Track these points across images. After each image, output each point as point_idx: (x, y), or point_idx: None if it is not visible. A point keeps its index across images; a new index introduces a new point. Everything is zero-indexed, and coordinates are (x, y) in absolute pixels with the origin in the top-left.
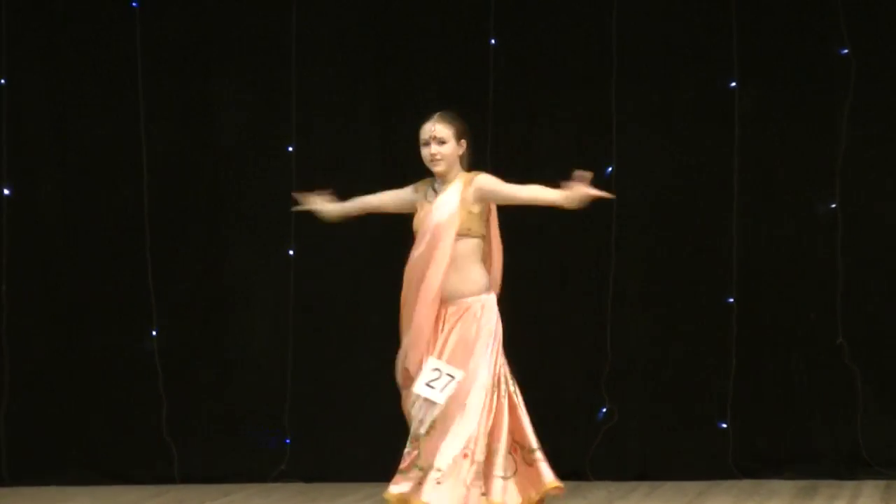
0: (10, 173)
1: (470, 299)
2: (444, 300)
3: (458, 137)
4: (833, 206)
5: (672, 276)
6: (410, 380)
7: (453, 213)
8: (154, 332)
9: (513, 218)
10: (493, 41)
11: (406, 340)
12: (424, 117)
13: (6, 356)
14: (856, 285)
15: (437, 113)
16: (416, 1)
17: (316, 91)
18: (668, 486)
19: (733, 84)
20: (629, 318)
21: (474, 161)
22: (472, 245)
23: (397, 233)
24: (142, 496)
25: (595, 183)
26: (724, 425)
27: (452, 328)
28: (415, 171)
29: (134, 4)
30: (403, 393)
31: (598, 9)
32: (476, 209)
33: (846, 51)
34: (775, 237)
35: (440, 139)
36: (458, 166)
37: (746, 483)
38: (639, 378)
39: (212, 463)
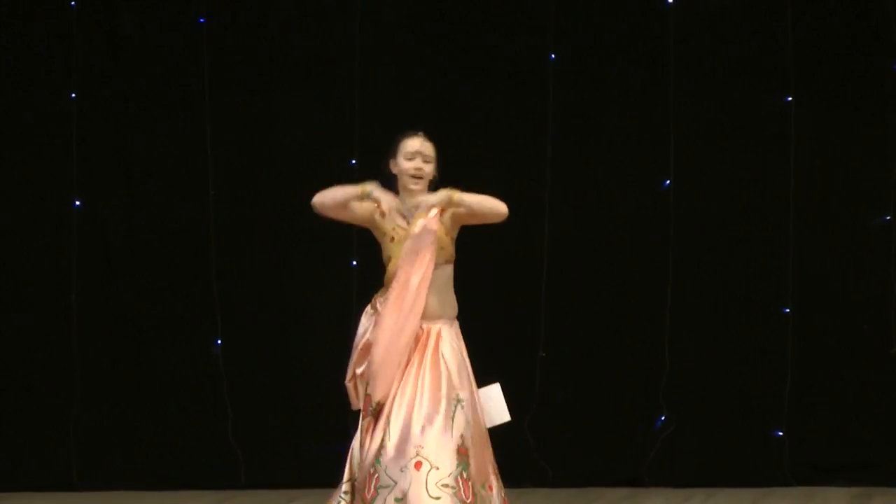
0: (80, 186)
1: (448, 322)
2: (421, 321)
3: (435, 163)
4: (888, 218)
5: (729, 288)
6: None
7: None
8: (219, 342)
9: (575, 232)
10: (552, 56)
11: (374, 360)
12: (411, 133)
13: (77, 364)
14: None
15: (422, 132)
16: (477, 17)
17: (377, 106)
18: (724, 494)
19: (789, 99)
20: (687, 328)
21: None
22: (448, 271)
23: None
24: (209, 501)
25: (653, 196)
26: (780, 433)
27: (437, 348)
28: (469, 183)
29: (201, 21)
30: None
31: (655, 25)
32: (454, 233)
33: None
34: (830, 249)
35: (427, 157)
36: (426, 191)
37: (801, 490)
38: (696, 387)
39: (276, 469)
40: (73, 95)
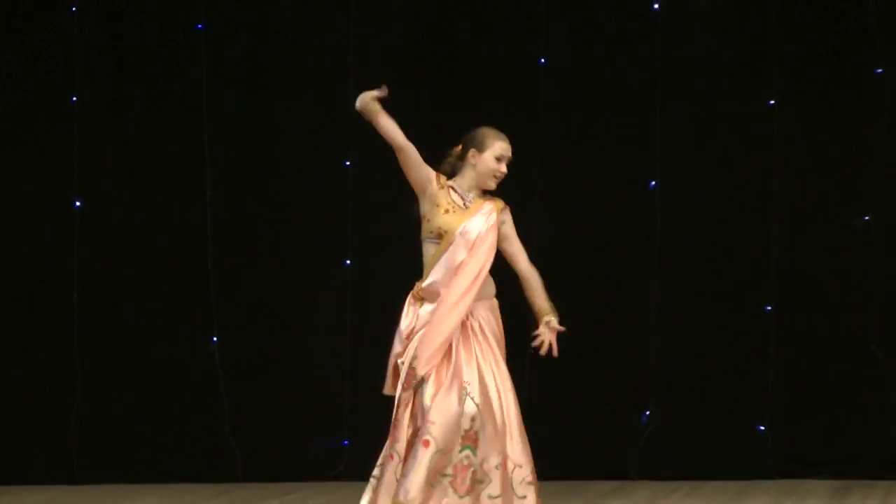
0: (81, 187)
1: (491, 301)
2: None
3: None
4: (867, 218)
5: (713, 286)
6: (412, 381)
7: (491, 228)
8: (215, 339)
9: (564, 231)
10: (542, 61)
11: (423, 343)
12: (499, 134)
13: (78, 361)
14: (889, 295)
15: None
16: (469, 23)
17: None
18: (709, 486)
19: (772, 102)
20: (672, 326)
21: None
22: None
23: None
24: (206, 494)
25: (640, 196)
26: (763, 428)
27: (482, 329)
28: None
29: (199, 27)
30: (404, 395)
31: (643, 31)
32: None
33: (880, 70)
34: (812, 249)
35: (510, 162)
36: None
37: (784, 483)
38: (681, 384)
39: (273, 463)
40: (75, 98)
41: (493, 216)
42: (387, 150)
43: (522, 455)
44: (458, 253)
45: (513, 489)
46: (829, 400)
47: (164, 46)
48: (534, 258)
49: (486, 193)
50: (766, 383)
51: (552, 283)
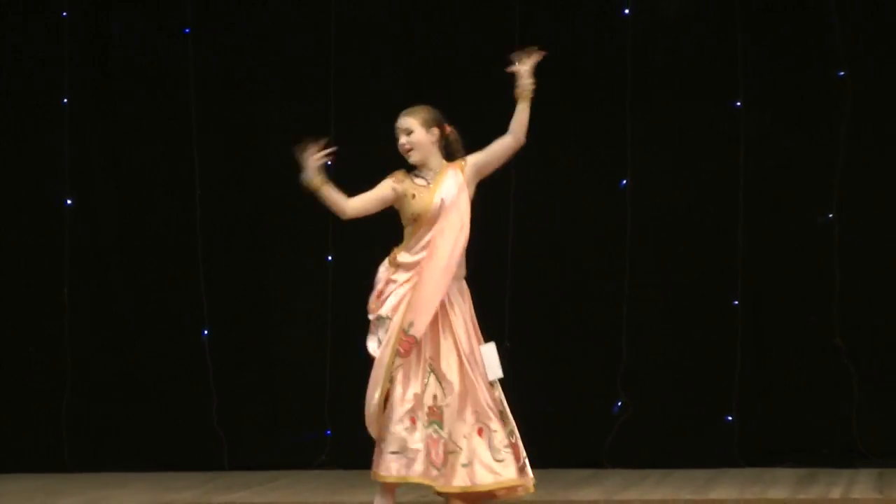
0: (71, 185)
1: (460, 282)
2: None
3: (427, 126)
4: (831, 216)
5: (682, 282)
6: (411, 348)
7: (461, 186)
8: (205, 332)
9: (538, 228)
10: None
11: (415, 309)
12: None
13: (69, 353)
14: (852, 290)
15: (405, 110)
16: (446, 29)
17: (351, 112)
18: (678, 474)
19: (738, 104)
20: (643, 320)
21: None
22: None
23: None
24: (194, 482)
25: (611, 195)
26: (730, 419)
27: (461, 304)
28: None
29: (186, 31)
30: (403, 371)
31: (614, 36)
32: (471, 192)
33: (843, 73)
34: (777, 245)
35: (406, 129)
36: (437, 154)
37: (750, 472)
38: (652, 375)
39: (258, 452)
40: (65, 101)
41: (459, 173)
42: (365, 152)
43: (496, 421)
44: (435, 223)
45: (492, 452)
46: (794, 391)
47: (151, 50)
48: (510, 253)
49: (449, 162)
50: (734, 375)
51: (528, 278)
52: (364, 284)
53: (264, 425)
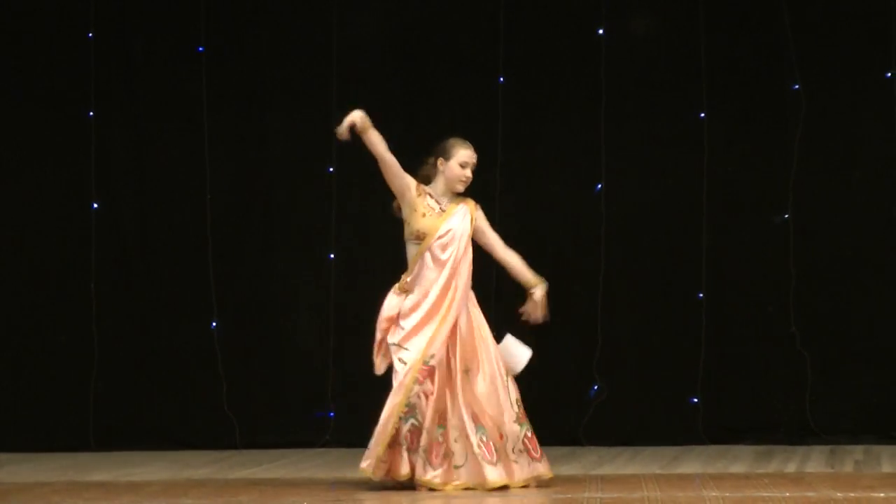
0: (97, 191)
1: (469, 292)
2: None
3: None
4: (786, 216)
5: (651, 276)
6: (427, 376)
7: (468, 227)
8: (214, 324)
9: (517, 228)
10: (501, 79)
11: (435, 344)
12: (464, 143)
13: (96, 342)
14: (806, 283)
15: (470, 142)
16: (439, 46)
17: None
18: (648, 451)
19: (702, 115)
20: (616, 311)
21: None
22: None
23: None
24: (209, 460)
25: (587, 197)
26: (695, 400)
27: (463, 318)
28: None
29: (200, 49)
30: (420, 386)
31: (589, 53)
32: (470, 232)
33: (797, 86)
34: (738, 242)
35: (474, 167)
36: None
37: (714, 449)
38: (624, 361)
39: (267, 432)
40: (91, 114)
41: (468, 216)
42: (364, 158)
43: (510, 426)
44: (438, 252)
45: (507, 455)
46: (753, 375)
47: (168, 66)
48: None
49: (459, 196)
50: (699, 360)
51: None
52: (363, 279)
53: (272, 408)
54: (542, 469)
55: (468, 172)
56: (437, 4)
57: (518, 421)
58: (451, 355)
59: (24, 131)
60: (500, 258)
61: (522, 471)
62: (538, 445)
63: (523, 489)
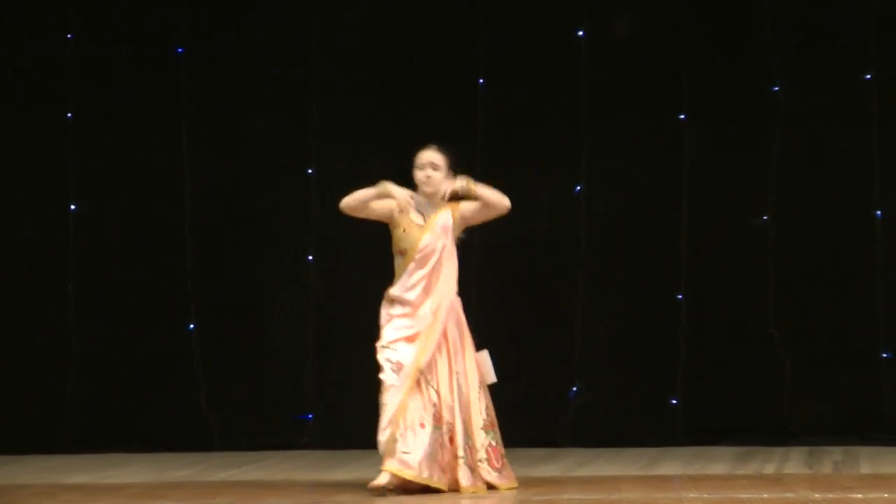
0: (76, 193)
1: (454, 298)
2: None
3: (450, 168)
4: (765, 218)
5: (631, 278)
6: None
7: (446, 228)
8: (192, 326)
9: (501, 228)
10: (481, 81)
11: (427, 350)
12: (423, 145)
13: (73, 343)
14: (784, 284)
15: (435, 144)
16: (419, 49)
17: (332, 124)
18: (628, 452)
19: (682, 117)
20: (596, 312)
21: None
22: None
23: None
24: (187, 462)
25: (567, 199)
26: (675, 402)
27: (451, 323)
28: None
29: (179, 50)
30: (415, 397)
31: (569, 55)
32: (457, 235)
33: (777, 88)
34: (717, 244)
35: (435, 165)
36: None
37: (693, 450)
38: (604, 362)
39: (245, 434)
40: (70, 115)
41: (450, 220)
42: (344, 161)
43: (477, 432)
44: (421, 264)
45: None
46: (732, 376)
47: (148, 68)
48: (476, 251)
49: (452, 201)
50: (678, 362)
51: (492, 274)
52: (341, 281)
53: (250, 410)
54: (499, 481)
55: (428, 172)
56: (416, 6)
57: (485, 428)
58: (441, 359)
59: (1, 132)
60: (479, 205)
61: (477, 478)
62: (501, 457)
63: (492, 491)
